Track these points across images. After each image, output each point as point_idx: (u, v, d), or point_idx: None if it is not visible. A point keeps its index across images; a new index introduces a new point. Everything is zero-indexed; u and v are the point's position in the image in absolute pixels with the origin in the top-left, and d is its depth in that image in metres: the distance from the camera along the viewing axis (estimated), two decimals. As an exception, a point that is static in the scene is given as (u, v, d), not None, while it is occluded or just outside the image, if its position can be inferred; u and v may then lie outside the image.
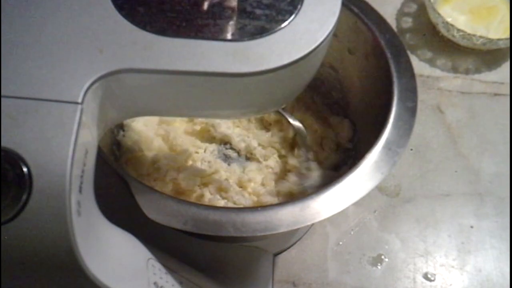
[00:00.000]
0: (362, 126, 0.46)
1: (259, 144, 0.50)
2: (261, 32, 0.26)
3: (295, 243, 0.51)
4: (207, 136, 0.51)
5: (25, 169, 0.21)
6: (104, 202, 0.28)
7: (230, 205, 0.45)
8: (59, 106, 0.22)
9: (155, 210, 0.32)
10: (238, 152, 0.51)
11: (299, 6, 0.26)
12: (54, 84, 0.23)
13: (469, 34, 0.60)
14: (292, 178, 0.47)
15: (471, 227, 0.53)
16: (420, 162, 0.57)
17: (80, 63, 0.24)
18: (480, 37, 0.60)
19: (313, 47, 0.26)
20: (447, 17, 0.62)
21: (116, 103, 0.27)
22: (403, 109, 0.38)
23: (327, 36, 0.26)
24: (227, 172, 0.48)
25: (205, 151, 0.50)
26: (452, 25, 0.61)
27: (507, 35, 0.61)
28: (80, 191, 0.23)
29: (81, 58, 0.24)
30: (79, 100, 0.23)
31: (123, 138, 0.47)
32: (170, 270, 0.34)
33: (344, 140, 0.48)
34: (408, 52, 0.41)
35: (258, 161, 0.50)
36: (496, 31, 0.63)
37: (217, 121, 0.50)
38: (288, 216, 0.32)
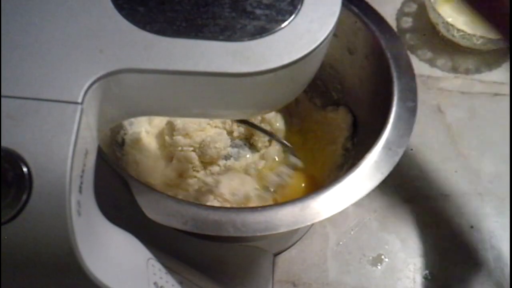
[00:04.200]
0: (362, 126, 0.46)
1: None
2: (261, 32, 0.26)
3: (295, 243, 0.51)
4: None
5: (25, 169, 0.21)
6: (104, 202, 0.28)
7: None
8: (59, 106, 0.22)
9: (155, 210, 0.32)
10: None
11: (299, 6, 0.26)
12: (54, 84, 0.23)
13: (469, 34, 0.60)
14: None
15: (471, 227, 0.53)
16: (420, 162, 0.57)
17: (80, 63, 0.24)
18: (480, 37, 0.60)
19: (313, 47, 0.26)
20: (447, 17, 0.62)
21: (116, 103, 0.27)
22: (403, 109, 0.38)
23: (327, 36, 0.26)
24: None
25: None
26: (452, 25, 0.61)
27: (507, 35, 0.61)
28: (80, 191, 0.23)
29: (81, 58, 0.24)
30: (79, 100, 0.23)
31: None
32: (170, 270, 0.34)
33: (345, 133, 0.48)
34: (408, 52, 0.41)
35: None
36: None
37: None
38: (288, 216, 0.32)
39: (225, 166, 0.49)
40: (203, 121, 0.50)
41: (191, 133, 0.49)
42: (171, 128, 0.49)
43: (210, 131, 0.51)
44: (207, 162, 0.48)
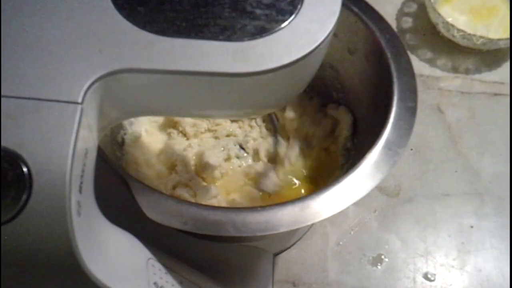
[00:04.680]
0: (362, 126, 0.46)
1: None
2: (261, 32, 0.26)
3: (295, 243, 0.51)
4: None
5: (25, 169, 0.21)
6: (104, 202, 0.28)
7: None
8: (59, 106, 0.22)
9: (155, 210, 0.32)
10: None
11: (299, 6, 0.26)
12: (54, 84, 0.23)
13: (469, 34, 0.60)
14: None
15: (471, 227, 0.53)
16: (420, 162, 0.57)
17: (80, 63, 0.24)
18: (480, 37, 0.60)
19: (313, 47, 0.26)
20: (447, 17, 0.62)
21: (116, 103, 0.27)
22: (403, 109, 0.38)
23: (327, 36, 0.26)
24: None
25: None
26: (452, 25, 0.61)
27: (507, 35, 0.61)
28: (80, 191, 0.23)
29: (81, 58, 0.24)
30: (79, 100, 0.23)
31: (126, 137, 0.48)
32: (170, 270, 0.34)
33: (345, 133, 0.48)
34: (408, 52, 0.41)
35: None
36: (496, 31, 0.63)
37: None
38: (288, 216, 0.32)
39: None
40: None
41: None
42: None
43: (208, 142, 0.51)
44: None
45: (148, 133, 0.50)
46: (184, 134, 0.50)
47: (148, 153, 0.48)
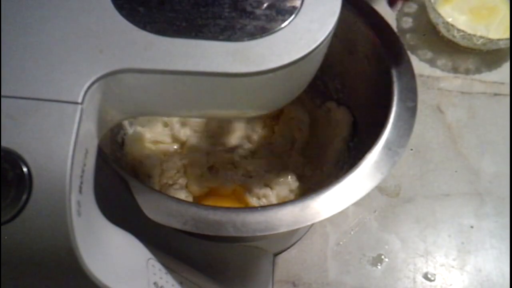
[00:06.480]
0: (362, 126, 0.46)
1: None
2: (261, 32, 0.26)
3: (295, 243, 0.51)
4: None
5: (25, 169, 0.21)
6: (104, 202, 0.28)
7: None
8: (59, 106, 0.22)
9: (155, 210, 0.32)
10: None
11: (299, 6, 0.26)
12: (54, 84, 0.23)
13: (469, 34, 0.60)
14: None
15: (471, 227, 0.53)
16: (420, 162, 0.57)
17: (80, 63, 0.24)
18: (480, 37, 0.60)
19: (313, 47, 0.26)
20: (447, 17, 0.62)
21: (116, 103, 0.27)
22: (403, 109, 0.38)
23: (327, 36, 0.26)
24: None
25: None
26: (452, 25, 0.61)
27: (507, 35, 0.61)
28: (80, 191, 0.23)
29: (81, 58, 0.24)
30: (79, 100, 0.23)
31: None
32: (170, 270, 0.34)
33: (345, 133, 0.48)
34: (408, 52, 0.41)
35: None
36: (496, 31, 0.63)
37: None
38: (288, 216, 0.32)
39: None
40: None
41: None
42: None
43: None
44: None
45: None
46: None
47: (148, 153, 0.48)
